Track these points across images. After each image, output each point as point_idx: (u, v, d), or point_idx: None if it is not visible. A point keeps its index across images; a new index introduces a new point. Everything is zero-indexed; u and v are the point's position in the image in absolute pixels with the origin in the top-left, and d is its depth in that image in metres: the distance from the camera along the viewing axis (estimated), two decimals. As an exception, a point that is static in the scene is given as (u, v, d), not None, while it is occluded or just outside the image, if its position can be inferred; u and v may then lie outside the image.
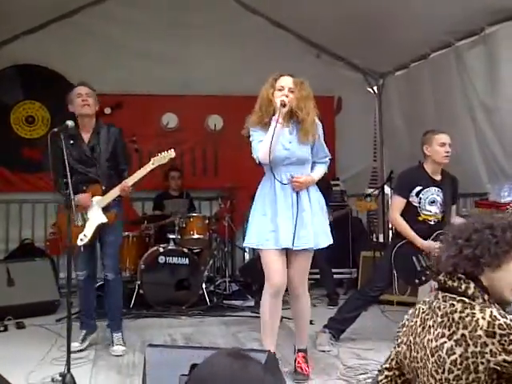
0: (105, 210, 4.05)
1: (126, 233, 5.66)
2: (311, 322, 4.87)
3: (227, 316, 5.21)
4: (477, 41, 5.11)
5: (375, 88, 7.29)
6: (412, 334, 1.79)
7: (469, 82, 5.27)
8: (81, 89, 4.10)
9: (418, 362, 1.73)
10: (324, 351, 4.08)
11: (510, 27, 4.69)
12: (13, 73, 6.50)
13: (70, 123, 3.64)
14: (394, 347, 1.86)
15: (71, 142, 3.96)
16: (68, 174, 3.55)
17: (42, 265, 5.44)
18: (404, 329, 1.85)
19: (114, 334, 4.19)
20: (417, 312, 1.84)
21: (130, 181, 4.02)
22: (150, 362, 2.04)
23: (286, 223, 3.41)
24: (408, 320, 1.86)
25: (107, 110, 6.63)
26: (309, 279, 6.42)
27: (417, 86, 6.24)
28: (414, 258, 4.09)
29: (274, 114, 3.43)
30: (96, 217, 4.03)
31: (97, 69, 6.39)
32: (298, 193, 3.46)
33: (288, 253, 3.51)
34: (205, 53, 6.63)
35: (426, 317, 1.77)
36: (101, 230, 4.08)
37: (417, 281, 4.16)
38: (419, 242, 4.07)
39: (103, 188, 4.05)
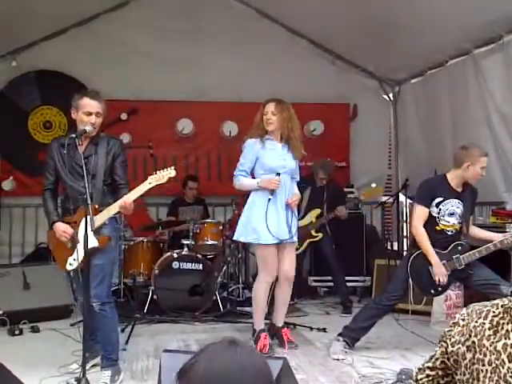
0: (96, 232, 3.42)
1: (141, 238, 5.74)
2: (325, 330, 4.86)
3: (240, 323, 5.19)
4: (495, 48, 5.07)
5: (390, 95, 7.27)
6: (476, 336, 1.72)
7: (486, 90, 5.23)
8: (91, 106, 3.56)
9: (483, 365, 1.68)
10: (338, 359, 4.05)
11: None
12: (31, 78, 6.58)
13: (88, 128, 3.59)
14: (440, 346, 1.80)
15: (64, 151, 3.53)
16: (86, 179, 3.38)
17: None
18: (459, 328, 1.78)
19: (103, 371, 3.60)
20: (484, 314, 1.76)
21: (132, 196, 3.49)
22: (165, 368, 2.01)
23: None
24: (464, 320, 1.79)
25: (124, 116, 6.71)
26: (322, 287, 6.49)
27: (433, 94, 6.21)
28: (430, 269, 4.05)
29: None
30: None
31: (113, 74, 6.47)
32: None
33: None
34: (220, 59, 6.66)
35: (501, 321, 1.71)
36: (92, 252, 3.49)
37: (433, 291, 4.14)
38: (434, 258, 4.03)
39: (96, 206, 3.48)
